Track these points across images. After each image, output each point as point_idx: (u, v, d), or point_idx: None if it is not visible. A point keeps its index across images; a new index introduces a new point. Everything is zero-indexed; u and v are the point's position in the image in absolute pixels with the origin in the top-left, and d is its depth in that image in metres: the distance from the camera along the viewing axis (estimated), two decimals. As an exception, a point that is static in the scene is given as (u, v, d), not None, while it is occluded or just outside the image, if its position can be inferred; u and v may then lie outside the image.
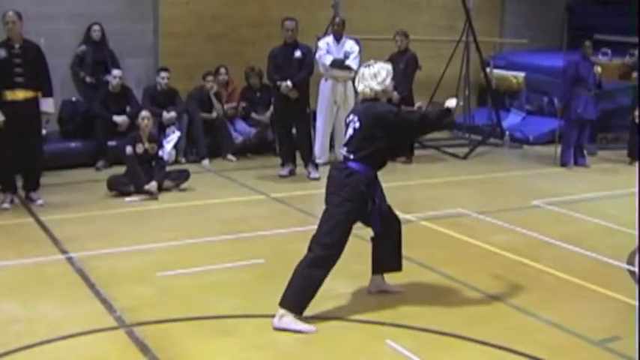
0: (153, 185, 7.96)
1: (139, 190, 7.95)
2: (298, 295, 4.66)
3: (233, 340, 4.52)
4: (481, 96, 13.55)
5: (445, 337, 4.60)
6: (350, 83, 9.58)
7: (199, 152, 10.01)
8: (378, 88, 4.88)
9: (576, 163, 10.43)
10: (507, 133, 11.92)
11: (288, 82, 8.87)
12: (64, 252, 6.11)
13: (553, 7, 14.23)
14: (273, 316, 4.65)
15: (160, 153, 8.38)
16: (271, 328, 4.62)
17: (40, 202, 7.61)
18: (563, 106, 10.54)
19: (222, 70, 10.73)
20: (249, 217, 7.35)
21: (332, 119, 9.94)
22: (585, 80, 10.22)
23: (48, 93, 7.60)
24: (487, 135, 11.78)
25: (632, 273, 5.92)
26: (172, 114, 9.90)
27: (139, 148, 8.18)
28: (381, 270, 5.26)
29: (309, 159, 9.24)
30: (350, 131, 4.87)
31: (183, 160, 9.88)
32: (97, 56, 10.05)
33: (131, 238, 6.52)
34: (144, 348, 4.35)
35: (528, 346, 4.47)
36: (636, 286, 5.60)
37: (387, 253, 5.18)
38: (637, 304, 5.03)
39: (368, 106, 4.88)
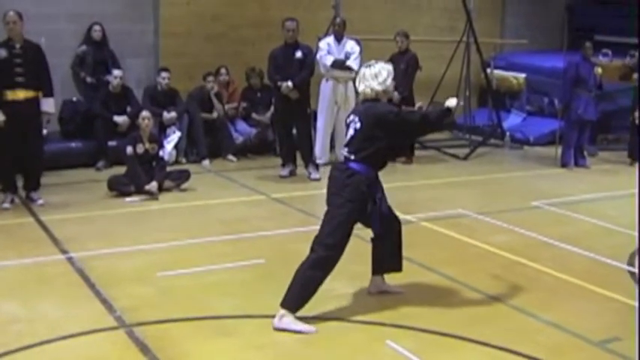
0: (153, 185, 7.96)
1: (140, 191, 7.95)
2: (299, 296, 4.67)
3: (233, 340, 4.52)
4: (481, 97, 13.55)
5: (445, 337, 4.60)
6: (351, 84, 9.56)
7: (200, 152, 10.01)
8: (378, 88, 4.88)
9: (577, 164, 10.42)
10: (508, 133, 11.91)
11: (289, 83, 8.86)
12: (64, 252, 6.12)
13: (553, 8, 14.23)
14: (273, 316, 4.66)
15: (161, 153, 8.38)
16: (271, 328, 4.62)
17: (40, 201, 7.61)
18: (564, 107, 10.52)
19: (223, 70, 10.72)
20: (249, 218, 7.35)
21: (332, 120, 9.93)
22: (586, 81, 10.20)
23: (48, 93, 7.60)
24: (487, 136, 11.77)
25: (632, 274, 5.92)
26: (173, 114, 9.90)
27: (140, 149, 8.18)
28: (381, 271, 5.26)
29: (309, 159, 9.24)
30: (351, 132, 4.87)
31: (183, 160, 9.88)
32: (97, 56, 10.06)
33: (131, 238, 6.52)
34: (144, 348, 4.36)
35: (528, 346, 4.47)
36: (636, 287, 5.60)
37: (387, 254, 5.18)
38: (637, 304, 5.04)
39: (369, 106, 4.89)
